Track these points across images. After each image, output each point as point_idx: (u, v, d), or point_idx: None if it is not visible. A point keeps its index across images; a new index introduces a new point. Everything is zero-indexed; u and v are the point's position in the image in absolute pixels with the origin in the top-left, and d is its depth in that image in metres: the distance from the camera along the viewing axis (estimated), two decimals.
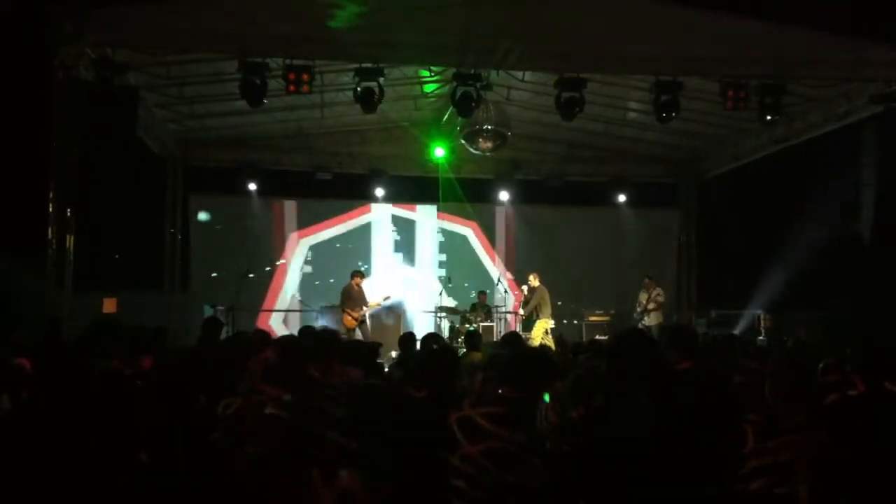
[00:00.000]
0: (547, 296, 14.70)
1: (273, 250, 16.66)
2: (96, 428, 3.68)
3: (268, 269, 16.21)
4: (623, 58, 10.94)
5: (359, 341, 11.69)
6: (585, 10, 10.43)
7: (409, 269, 17.26)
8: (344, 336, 12.14)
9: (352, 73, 11.19)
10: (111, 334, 5.36)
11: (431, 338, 7.68)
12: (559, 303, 15.99)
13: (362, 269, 15.30)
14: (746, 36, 10.88)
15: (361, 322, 13.89)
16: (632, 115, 14.65)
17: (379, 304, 14.46)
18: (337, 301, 14.38)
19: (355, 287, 14.17)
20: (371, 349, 7.69)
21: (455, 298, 16.41)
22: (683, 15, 10.77)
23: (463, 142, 14.19)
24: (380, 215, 17.29)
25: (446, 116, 14.68)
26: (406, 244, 17.42)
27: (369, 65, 10.86)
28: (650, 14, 10.75)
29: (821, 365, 5.13)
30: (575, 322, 16.34)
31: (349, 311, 13.91)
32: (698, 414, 3.08)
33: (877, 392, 3.90)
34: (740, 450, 3.24)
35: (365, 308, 14.06)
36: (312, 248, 16.86)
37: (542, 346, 11.22)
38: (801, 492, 3.22)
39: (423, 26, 10.28)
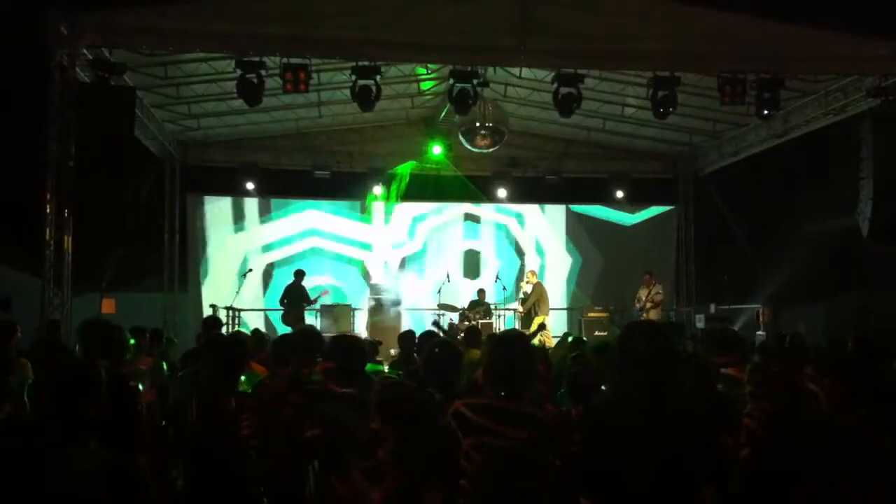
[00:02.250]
0: (545, 293, 14.74)
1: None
2: (100, 431, 3.67)
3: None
4: (620, 53, 10.94)
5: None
6: (583, 6, 10.43)
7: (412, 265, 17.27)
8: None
9: (349, 72, 11.19)
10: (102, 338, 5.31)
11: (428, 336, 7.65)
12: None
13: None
14: (743, 31, 10.87)
15: (300, 319, 13.81)
16: (629, 110, 14.66)
17: (319, 298, 14.43)
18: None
19: (297, 286, 14.22)
20: (370, 347, 7.67)
21: (455, 295, 16.41)
22: (680, 10, 10.77)
23: (461, 139, 14.19)
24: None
25: (444, 114, 14.67)
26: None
27: (366, 63, 10.86)
28: (647, 10, 10.76)
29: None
30: (564, 319, 16.39)
31: (288, 308, 13.94)
32: (699, 410, 3.08)
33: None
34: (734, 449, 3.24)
35: (305, 305, 14.09)
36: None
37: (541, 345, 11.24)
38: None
39: (419, 24, 10.27)
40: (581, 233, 17.62)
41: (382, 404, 3.12)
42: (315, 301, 14.17)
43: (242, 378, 4.73)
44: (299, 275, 14.38)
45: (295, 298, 13.97)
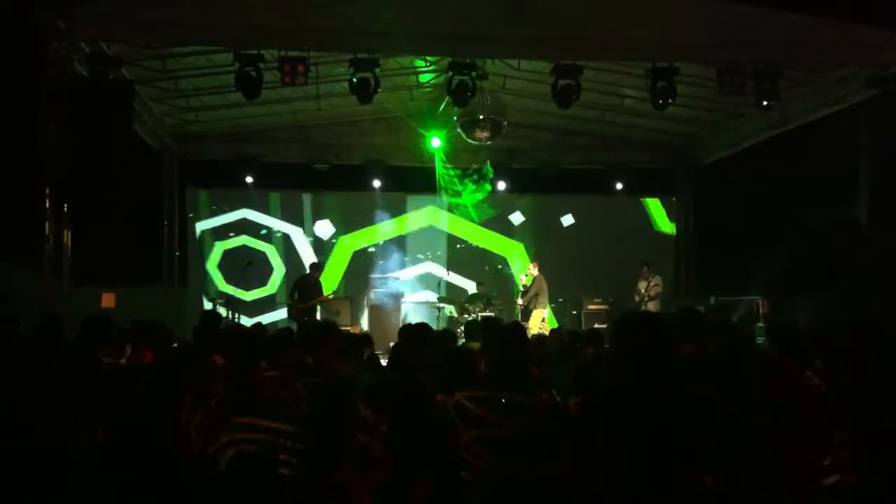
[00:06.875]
0: (545, 285, 14.75)
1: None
2: (100, 420, 3.68)
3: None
4: (619, 44, 10.91)
5: (351, 333, 11.70)
6: None
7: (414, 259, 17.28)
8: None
9: (347, 64, 11.17)
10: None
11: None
12: (570, 297, 16.03)
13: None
14: (742, 21, 10.84)
15: (308, 312, 13.84)
16: (628, 101, 14.63)
17: (328, 299, 14.44)
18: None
19: (312, 279, 14.20)
20: (361, 341, 7.62)
21: (455, 288, 16.45)
22: (679, 0, 10.75)
23: (459, 131, 14.17)
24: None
25: (442, 106, 14.66)
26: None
27: (364, 55, 10.84)
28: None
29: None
30: (572, 312, 16.42)
31: (298, 301, 13.90)
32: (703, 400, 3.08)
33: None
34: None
35: (318, 300, 14.10)
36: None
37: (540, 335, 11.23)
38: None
39: (416, 15, 10.26)
40: (580, 224, 17.62)
41: (373, 394, 3.12)
42: (327, 299, 14.22)
43: None
44: (315, 268, 14.39)
45: (308, 292, 13.97)
